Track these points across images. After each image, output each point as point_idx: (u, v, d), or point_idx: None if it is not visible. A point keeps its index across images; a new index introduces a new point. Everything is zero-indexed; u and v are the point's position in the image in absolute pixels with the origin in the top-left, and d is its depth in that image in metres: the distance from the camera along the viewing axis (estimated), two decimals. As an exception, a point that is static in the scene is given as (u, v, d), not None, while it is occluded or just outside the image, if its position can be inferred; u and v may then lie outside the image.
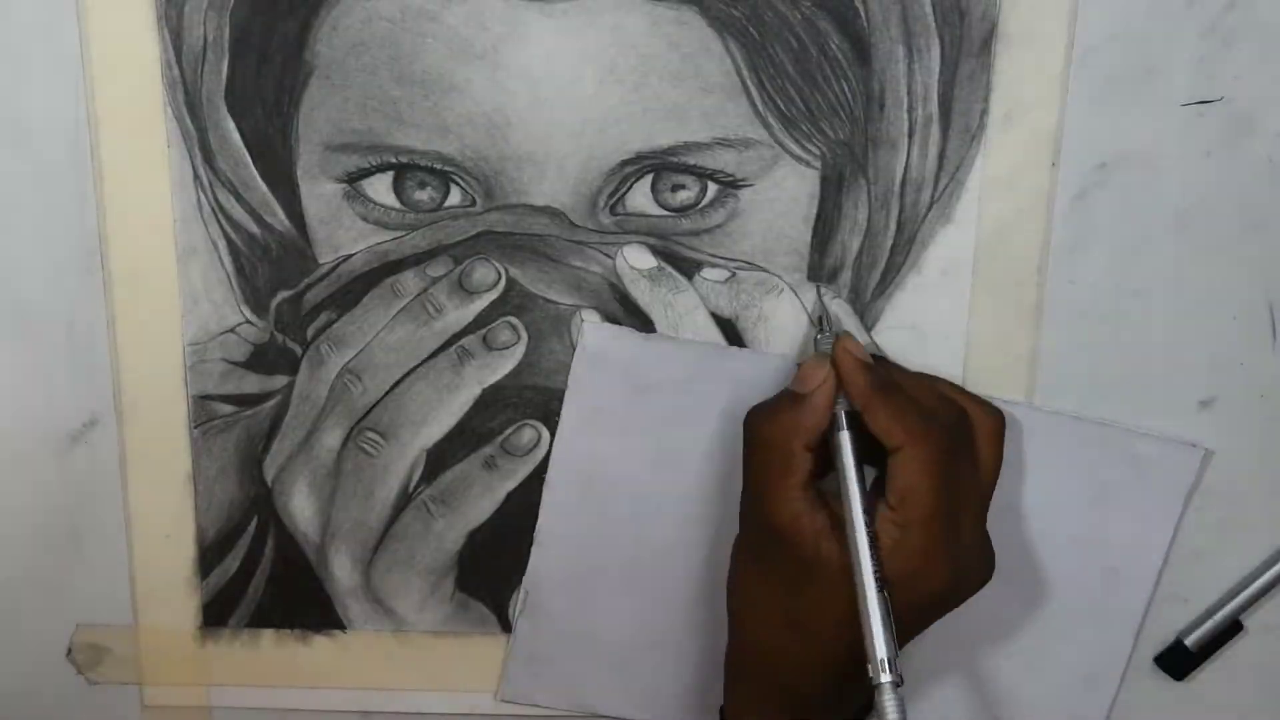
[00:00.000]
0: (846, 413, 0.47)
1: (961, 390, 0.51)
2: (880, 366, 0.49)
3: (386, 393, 0.53)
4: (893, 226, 0.52)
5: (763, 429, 0.48)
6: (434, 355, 0.53)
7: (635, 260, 0.52)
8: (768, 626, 0.48)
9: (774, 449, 0.47)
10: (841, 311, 0.52)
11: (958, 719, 0.57)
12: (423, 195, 0.52)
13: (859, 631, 0.45)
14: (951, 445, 0.47)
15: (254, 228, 0.52)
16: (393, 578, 0.56)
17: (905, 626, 0.46)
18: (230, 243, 0.52)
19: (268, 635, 0.57)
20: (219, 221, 0.52)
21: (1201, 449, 0.53)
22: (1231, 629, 0.55)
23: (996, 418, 0.49)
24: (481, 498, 0.54)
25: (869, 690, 0.44)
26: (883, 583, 0.45)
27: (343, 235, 0.52)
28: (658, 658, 0.56)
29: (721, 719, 0.51)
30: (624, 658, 0.56)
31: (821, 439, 0.47)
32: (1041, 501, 0.54)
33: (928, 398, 0.48)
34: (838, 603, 0.46)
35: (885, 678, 0.44)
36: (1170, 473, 0.53)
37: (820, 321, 0.51)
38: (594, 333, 0.52)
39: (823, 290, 0.52)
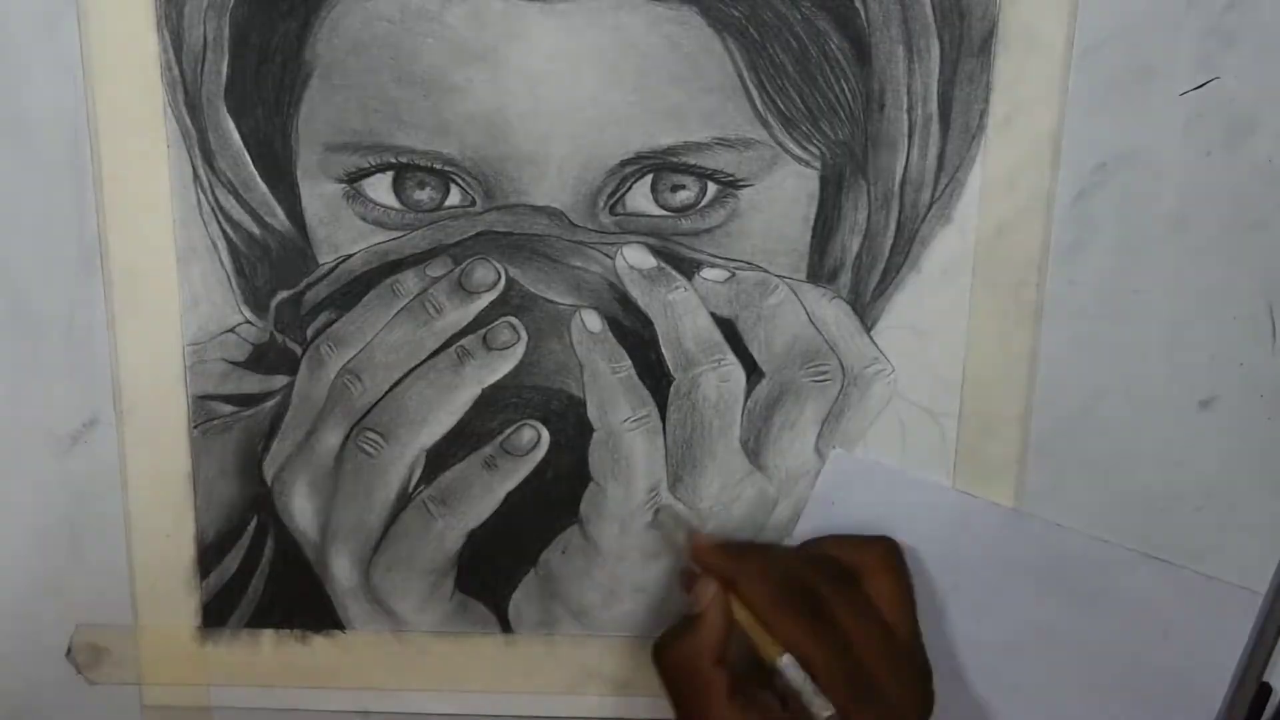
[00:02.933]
0: None
1: (838, 540, 0.52)
2: (749, 554, 0.51)
3: (386, 393, 0.53)
4: (892, 227, 0.52)
5: (670, 657, 0.49)
6: (434, 355, 0.53)
7: (635, 260, 0.52)
8: None
9: (686, 675, 0.48)
10: (841, 312, 0.52)
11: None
12: (422, 195, 0.52)
13: None
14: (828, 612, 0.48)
15: (254, 228, 0.52)
16: (392, 578, 0.56)
17: None
18: (230, 243, 0.52)
19: (267, 635, 0.57)
20: (219, 221, 0.52)
21: (1259, 595, 0.54)
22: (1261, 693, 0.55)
23: (881, 552, 0.50)
24: (481, 498, 0.54)
25: None
26: None
27: (342, 235, 0.52)
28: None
29: None
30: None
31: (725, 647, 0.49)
32: (1106, 635, 0.55)
33: (798, 571, 0.49)
34: None
35: None
36: (1231, 615, 0.54)
37: (657, 515, 0.53)
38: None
39: (662, 504, 0.54)
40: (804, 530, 0.55)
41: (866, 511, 0.54)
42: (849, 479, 0.54)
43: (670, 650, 0.49)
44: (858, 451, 0.54)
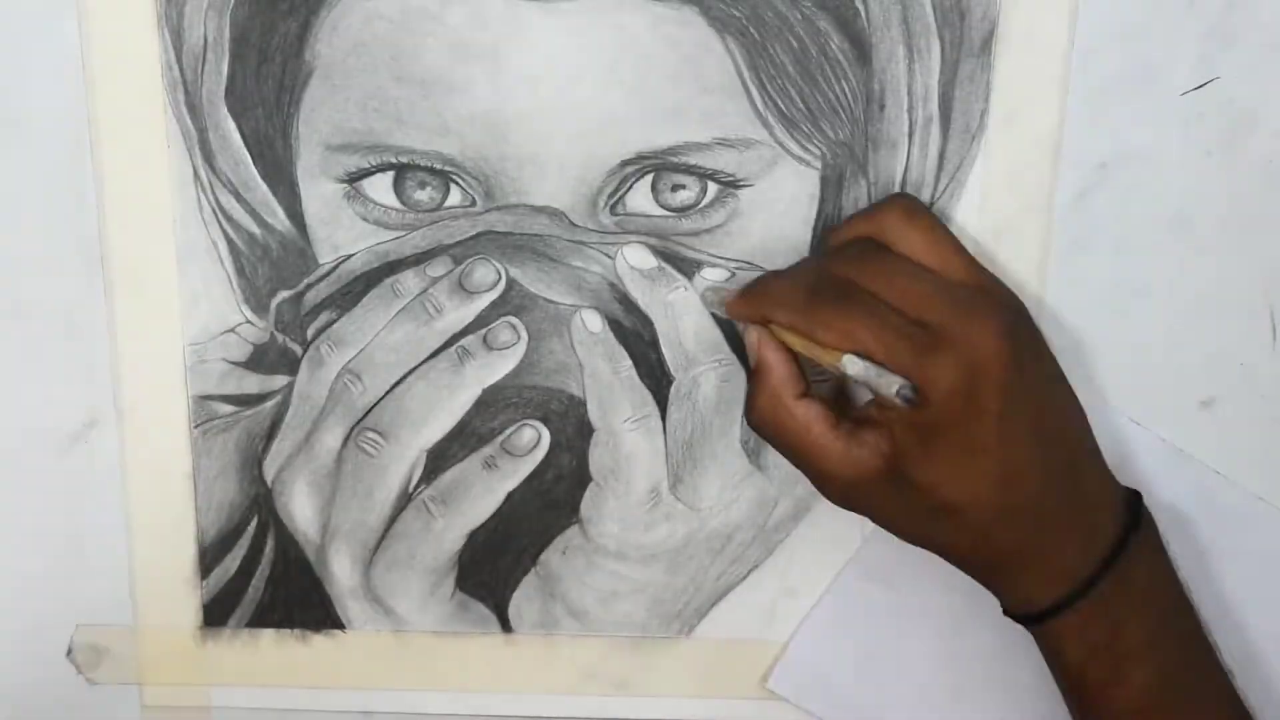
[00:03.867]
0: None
1: (852, 220, 0.49)
2: (767, 283, 0.49)
3: (386, 393, 0.53)
4: (893, 226, 0.52)
5: (756, 417, 0.48)
6: (434, 355, 0.53)
7: (635, 260, 0.52)
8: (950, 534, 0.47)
9: (778, 425, 0.47)
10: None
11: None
12: (423, 195, 0.52)
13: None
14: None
15: (254, 228, 0.52)
16: (393, 578, 0.56)
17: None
18: (230, 243, 0.52)
19: (268, 635, 0.57)
20: (219, 221, 0.52)
21: None
22: None
23: (899, 210, 0.48)
24: (481, 498, 0.54)
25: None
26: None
27: (343, 235, 0.52)
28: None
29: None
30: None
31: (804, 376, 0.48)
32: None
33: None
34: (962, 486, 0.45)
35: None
36: None
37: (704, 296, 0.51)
38: None
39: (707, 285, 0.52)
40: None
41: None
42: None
43: (753, 411, 0.48)
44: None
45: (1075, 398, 0.49)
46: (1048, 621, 0.47)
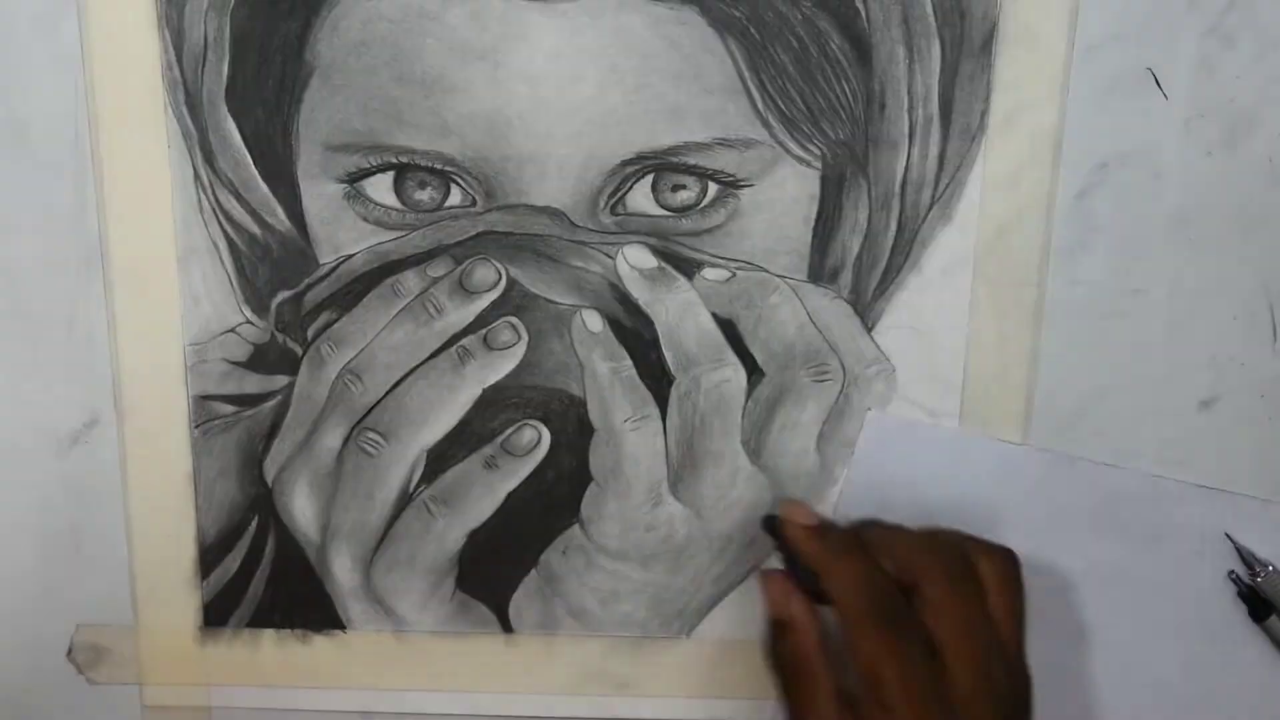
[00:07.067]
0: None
1: (964, 537, 0.48)
2: (843, 529, 0.49)
3: (387, 393, 0.53)
4: (893, 226, 0.52)
5: (774, 664, 0.49)
6: (434, 355, 0.53)
7: (636, 260, 0.52)
8: None
9: (792, 680, 0.48)
10: (842, 312, 0.53)
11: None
12: (423, 195, 0.52)
13: None
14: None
15: (254, 228, 0.52)
16: (393, 578, 0.56)
17: None
18: (231, 243, 0.52)
19: (268, 635, 0.57)
20: (219, 222, 0.52)
21: None
22: None
23: (1004, 561, 0.47)
24: (482, 498, 0.54)
25: None
26: None
27: (343, 235, 0.52)
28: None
29: None
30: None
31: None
32: (1168, 572, 0.54)
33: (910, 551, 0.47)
34: None
35: None
36: None
37: (766, 523, 0.51)
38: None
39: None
40: (854, 493, 0.53)
41: (908, 468, 0.53)
42: (888, 438, 0.53)
43: (773, 656, 0.49)
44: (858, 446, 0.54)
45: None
46: None
